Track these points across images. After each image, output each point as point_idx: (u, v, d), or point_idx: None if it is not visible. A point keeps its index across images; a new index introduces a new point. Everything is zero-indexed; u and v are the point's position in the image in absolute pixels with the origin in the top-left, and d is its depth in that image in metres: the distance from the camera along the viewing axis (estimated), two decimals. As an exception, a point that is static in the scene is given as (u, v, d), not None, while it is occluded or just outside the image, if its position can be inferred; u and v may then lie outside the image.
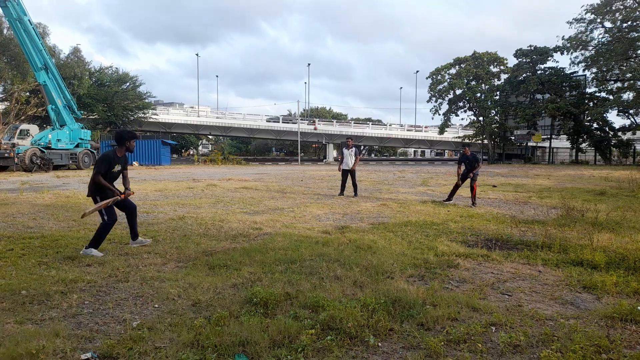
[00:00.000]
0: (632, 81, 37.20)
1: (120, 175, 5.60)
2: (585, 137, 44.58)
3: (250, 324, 3.06)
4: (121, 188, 5.55)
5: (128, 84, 47.50)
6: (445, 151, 77.94)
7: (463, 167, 10.83)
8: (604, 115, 41.26)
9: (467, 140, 52.47)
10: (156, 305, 3.57)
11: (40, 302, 3.60)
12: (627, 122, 42.16)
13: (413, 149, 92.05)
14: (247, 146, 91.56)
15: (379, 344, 2.89)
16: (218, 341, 2.80)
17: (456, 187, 10.85)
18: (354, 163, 11.92)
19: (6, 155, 23.92)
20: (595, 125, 43.67)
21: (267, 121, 62.10)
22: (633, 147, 43.55)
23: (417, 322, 3.20)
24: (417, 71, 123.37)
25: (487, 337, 3.00)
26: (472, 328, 3.09)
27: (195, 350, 2.73)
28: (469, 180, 10.53)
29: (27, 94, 36.64)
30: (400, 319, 3.25)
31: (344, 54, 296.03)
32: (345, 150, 12.02)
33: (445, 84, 49.69)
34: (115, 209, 5.49)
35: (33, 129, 27.97)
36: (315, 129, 54.33)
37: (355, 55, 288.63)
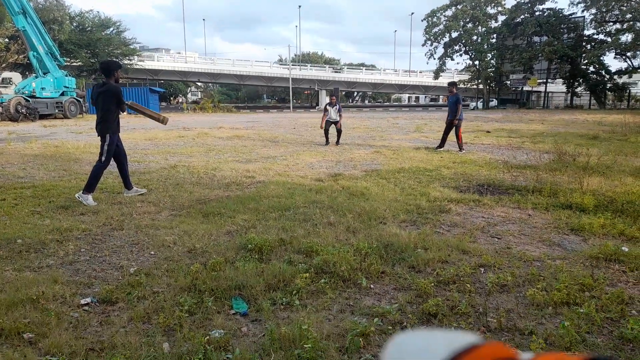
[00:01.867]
0: (631, 22, 36.35)
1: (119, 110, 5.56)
2: (581, 80, 44.13)
3: (246, 269, 3.13)
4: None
5: (111, 29, 45.54)
6: (440, 97, 77.01)
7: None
8: (601, 58, 40.65)
9: (461, 85, 51.77)
10: (152, 252, 3.62)
11: (37, 250, 3.64)
12: (624, 65, 41.63)
13: (407, 95, 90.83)
14: (237, 93, 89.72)
15: (371, 286, 2.98)
16: (215, 285, 2.87)
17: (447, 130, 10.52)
18: (339, 118, 11.75)
19: (-11, 104, 23.27)
20: (591, 68, 43.11)
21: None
22: (628, 91, 43.33)
23: (409, 265, 3.29)
24: (412, 13, 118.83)
25: (475, 278, 3.10)
26: (461, 270, 3.18)
27: (193, 294, 2.80)
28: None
29: (6, 40, 35.10)
30: (392, 263, 3.34)
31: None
32: (329, 108, 11.90)
33: (441, 26, 48.24)
34: None
35: (15, 77, 27.11)
36: None
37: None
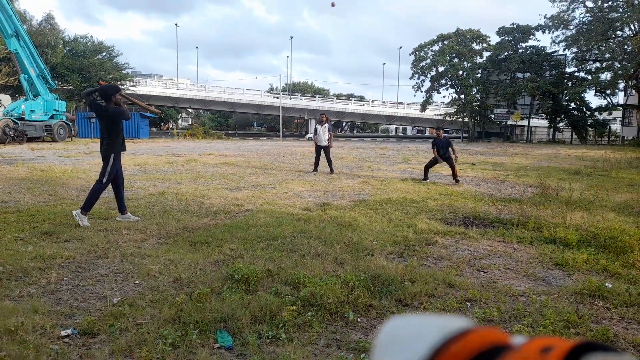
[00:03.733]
0: (610, 62, 37.81)
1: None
2: (562, 116, 45.43)
3: (232, 300, 3.09)
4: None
5: (104, 54, 45.89)
6: (427, 129, 78.39)
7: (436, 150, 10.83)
8: (582, 95, 42.02)
9: (447, 118, 52.92)
10: (137, 282, 3.56)
11: (18, 278, 3.56)
12: (603, 102, 43.10)
13: (395, 126, 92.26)
14: (228, 120, 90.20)
15: (359, 320, 2.96)
16: (200, 317, 2.83)
17: (430, 164, 10.77)
18: (329, 139, 11.77)
19: (-23, 126, 23.01)
20: (572, 105, 44.48)
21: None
22: (608, 127, 44.63)
23: (396, 298, 3.29)
24: (400, 47, 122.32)
25: (462, 313, 3.10)
26: (448, 304, 3.19)
27: (177, 326, 2.75)
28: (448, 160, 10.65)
29: (-3, 62, 35.09)
30: (379, 295, 3.33)
31: (321, 26, 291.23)
32: (319, 127, 11.77)
33: (428, 60, 49.66)
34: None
35: (5, 99, 26.91)
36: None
37: (332, 29, 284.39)
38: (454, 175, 10.48)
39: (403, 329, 0.34)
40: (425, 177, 10.73)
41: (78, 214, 5.29)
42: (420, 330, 0.33)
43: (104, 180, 5.41)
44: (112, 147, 5.48)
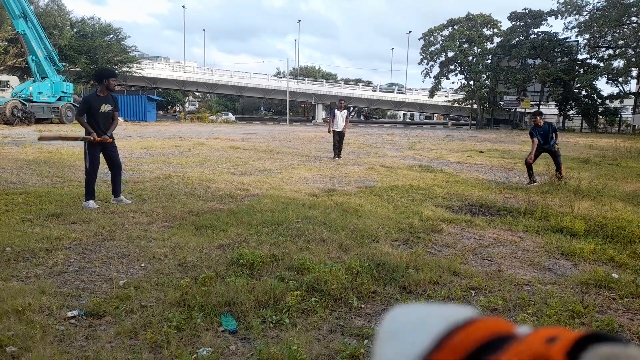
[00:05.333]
0: (623, 49, 37.06)
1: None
2: (573, 104, 44.76)
3: (237, 284, 3.11)
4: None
5: (111, 36, 45.75)
6: (434, 115, 77.64)
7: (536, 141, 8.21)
8: (593, 82, 41.31)
9: (456, 105, 52.37)
10: (142, 265, 3.59)
11: (25, 259, 3.60)
12: (615, 90, 42.32)
13: (402, 112, 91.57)
14: (234, 104, 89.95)
15: (362, 306, 2.97)
16: (204, 301, 2.85)
17: (529, 164, 8.31)
18: (345, 125, 11.86)
19: (-15, 106, 23.13)
20: (584, 92, 43.77)
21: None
22: (619, 116, 43.96)
23: (400, 285, 3.29)
24: (410, 32, 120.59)
25: (466, 301, 3.10)
26: (452, 292, 3.19)
27: (182, 309, 2.77)
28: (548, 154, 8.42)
29: (6, 43, 35.09)
30: (383, 282, 3.33)
31: (327, 9, 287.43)
32: (337, 112, 11.83)
33: (438, 45, 48.92)
34: (102, 161, 5.63)
35: (13, 80, 27.00)
36: None
37: (339, 12, 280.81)
38: (560, 173, 8.19)
39: (406, 317, 0.34)
40: (531, 176, 8.33)
41: (84, 204, 5.41)
42: (424, 319, 0.32)
43: (87, 165, 5.50)
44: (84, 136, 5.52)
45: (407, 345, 0.31)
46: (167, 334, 2.46)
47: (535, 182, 8.26)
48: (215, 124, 35.92)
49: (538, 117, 8.34)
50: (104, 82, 5.41)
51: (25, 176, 7.53)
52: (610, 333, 2.10)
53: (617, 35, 37.28)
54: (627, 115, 47.05)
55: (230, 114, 53.15)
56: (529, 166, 8.30)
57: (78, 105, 5.47)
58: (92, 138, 5.39)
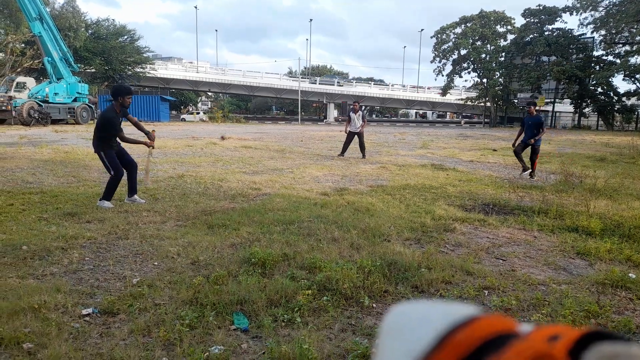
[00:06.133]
0: (641, 45, 36.32)
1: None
2: (589, 101, 44.00)
3: (248, 283, 3.12)
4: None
5: (126, 37, 46.30)
6: (447, 113, 77.02)
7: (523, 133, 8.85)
8: (610, 79, 40.55)
9: (469, 103, 51.87)
10: (156, 263, 3.63)
11: (41, 258, 3.66)
12: (632, 87, 41.48)
13: (414, 111, 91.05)
14: (246, 104, 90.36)
15: (374, 305, 2.96)
16: (216, 299, 2.86)
17: (518, 154, 8.84)
18: (362, 125, 12.22)
19: (3, 108, 23.59)
20: (599, 89, 42.99)
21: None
22: (636, 113, 43.09)
23: (412, 285, 3.27)
24: (422, 29, 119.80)
25: (479, 301, 3.06)
26: (465, 291, 3.16)
27: (194, 307, 2.79)
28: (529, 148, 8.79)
29: (22, 45, 35.74)
30: (395, 282, 3.32)
31: (336, 9, 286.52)
32: (352, 114, 12.30)
33: (450, 43, 48.48)
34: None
35: (30, 81, 27.47)
36: None
37: (348, 11, 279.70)
38: (533, 170, 8.68)
39: (409, 314, 0.34)
40: (524, 165, 8.81)
41: (99, 203, 5.51)
42: (426, 316, 0.33)
43: (112, 172, 5.55)
44: (98, 146, 5.58)
45: (410, 342, 0.31)
46: (180, 331, 2.48)
47: (529, 170, 8.80)
48: (227, 124, 36.12)
49: (532, 107, 8.91)
50: (119, 99, 5.47)
51: (41, 176, 7.66)
52: (614, 331, 2.05)
53: (634, 31, 36.56)
54: (644, 112, 46.05)
55: (201, 112, 54.64)
56: (515, 153, 8.93)
57: (111, 127, 5.52)
58: (150, 146, 5.94)
